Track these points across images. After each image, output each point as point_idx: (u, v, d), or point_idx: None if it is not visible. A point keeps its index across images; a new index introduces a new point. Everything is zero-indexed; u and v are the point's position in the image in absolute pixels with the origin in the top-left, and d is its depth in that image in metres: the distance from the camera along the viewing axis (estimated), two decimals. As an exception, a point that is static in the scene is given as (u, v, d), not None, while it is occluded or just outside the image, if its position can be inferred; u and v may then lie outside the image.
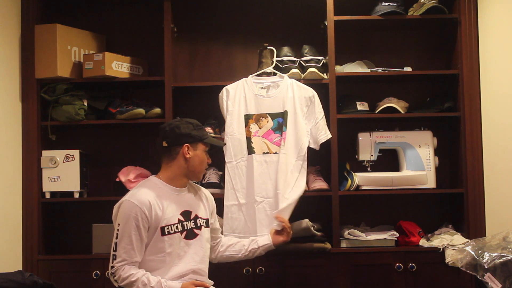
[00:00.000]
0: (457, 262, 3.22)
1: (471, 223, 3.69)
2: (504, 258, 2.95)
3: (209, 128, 3.71)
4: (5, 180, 3.55)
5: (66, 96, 3.72)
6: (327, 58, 3.75)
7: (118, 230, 2.88)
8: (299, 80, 3.72)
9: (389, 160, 3.93)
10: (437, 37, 4.05)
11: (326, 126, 3.67)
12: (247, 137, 3.64)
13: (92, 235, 3.71)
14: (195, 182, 3.33)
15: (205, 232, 3.07)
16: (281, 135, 3.61)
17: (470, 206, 3.70)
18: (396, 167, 3.91)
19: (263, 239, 3.30)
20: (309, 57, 3.76)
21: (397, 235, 3.69)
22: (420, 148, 3.82)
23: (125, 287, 2.87)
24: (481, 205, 3.70)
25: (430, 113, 3.84)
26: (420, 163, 3.80)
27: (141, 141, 3.97)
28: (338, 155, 3.70)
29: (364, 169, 3.86)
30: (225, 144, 3.56)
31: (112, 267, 2.87)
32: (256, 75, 3.76)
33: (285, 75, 3.71)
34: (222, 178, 3.72)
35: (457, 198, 3.81)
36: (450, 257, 3.48)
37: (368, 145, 3.82)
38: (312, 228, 3.52)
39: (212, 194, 3.27)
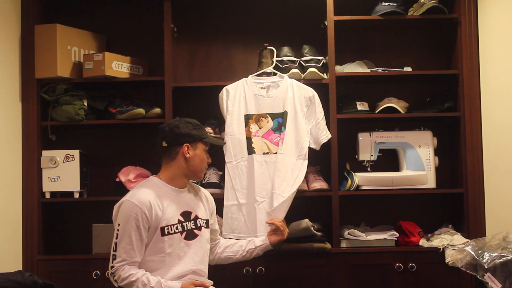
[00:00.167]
0: (457, 262, 3.22)
1: (471, 223, 3.69)
2: (504, 258, 2.94)
3: (209, 128, 3.71)
4: (5, 180, 3.55)
5: (66, 96, 3.72)
6: (327, 58, 3.75)
7: (118, 230, 2.88)
8: (299, 80, 3.72)
9: (389, 160, 3.93)
10: (437, 37, 4.05)
11: (326, 126, 3.67)
12: (247, 137, 3.64)
13: (92, 235, 3.71)
14: (195, 182, 3.33)
15: (205, 233, 3.07)
16: (280, 136, 3.61)
17: (470, 206, 3.70)
18: (396, 167, 3.91)
19: (260, 240, 3.30)
20: (309, 57, 3.76)
21: (397, 235, 3.69)
22: (420, 148, 3.82)
23: (124, 287, 2.87)
24: (481, 205, 3.70)
25: (430, 113, 3.84)
26: (420, 163, 3.80)
27: (141, 141, 3.97)
28: (338, 155, 3.70)
29: (364, 169, 3.86)
30: (224, 143, 3.56)
31: (112, 267, 2.87)
32: (256, 75, 3.76)
33: (285, 75, 3.71)
34: (222, 178, 3.72)
35: (457, 198, 3.81)
36: (450, 257, 3.48)
37: (368, 145, 3.82)
38: (312, 228, 3.52)
39: (212, 194, 3.27)
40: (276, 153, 3.60)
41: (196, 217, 3.05)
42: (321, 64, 3.74)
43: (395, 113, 3.78)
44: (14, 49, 3.70)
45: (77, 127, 3.85)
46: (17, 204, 3.68)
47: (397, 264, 3.58)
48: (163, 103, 3.75)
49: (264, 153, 3.62)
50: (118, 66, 3.78)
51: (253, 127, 3.65)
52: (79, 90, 3.77)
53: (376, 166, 3.89)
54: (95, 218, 3.80)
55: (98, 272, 3.58)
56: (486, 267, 2.97)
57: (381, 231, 3.74)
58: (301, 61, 3.77)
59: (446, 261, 3.51)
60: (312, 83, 3.72)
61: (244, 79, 3.74)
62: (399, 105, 3.79)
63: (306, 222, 3.52)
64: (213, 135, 3.67)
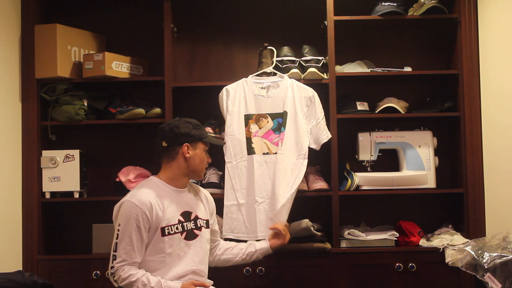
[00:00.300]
0: (457, 262, 3.22)
1: (471, 223, 3.69)
2: (504, 258, 2.94)
3: (209, 128, 3.71)
4: (5, 180, 3.55)
5: (66, 96, 3.72)
6: (327, 58, 3.75)
7: (118, 230, 2.87)
8: (299, 80, 3.72)
9: (389, 160, 3.93)
10: (437, 37, 4.05)
11: (326, 126, 3.67)
12: (247, 137, 3.64)
13: (92, 235, 3.71)
14: (195, 182, 3.33)
15: (205, 233, 3.07)
16: (280, 136, 3.61)
17: (470, 206, 3.70)
18: (396, 167, 3.91)
19: (260, 243, 3.27)
20: (309, 57, 3.76)
21: (397, 235, 3.69)
22: (420, 148, 3.82)
23: (124, 287, 2.87)
24: (481, 205, 3.70)
25: (430, 113, 3.84)
26: (420, 163, 3.80)
27: (141, 141, 3.96)
28: (338, 155, 3.70)
29: (364, 169, 3.86)
30: (224, 143, 3.56)
31: (112, 267, 2.87)
32: (256, 75, 3.76)
33: (285, 75, 3.71)
34: (222, 178, 3.72)
35: (457, 198, 3.81)
36: (450, 257, 3.48)
37: (368, 145, 3.83)
38: (312, 228, 3.52)
39: (212, 194, 3.26)
40: (276, 153, 3.60)
41: (196, 217, 3.04)
42: (321, 64, 3.74)
43: (395, 113, 3.78)
44: (14, 49, 3.70)
45: (77, 127, 3.85)
46: (17, 204, 3.67)
47: (397, 264, 3.58)
48: (163, 103, 3.75)
49: (264, 153, 3.62)
50: (118, 66, 3.78)
51: (253, 127, 3.65)
52: (79, 90, 3.77)
53: (376, 166, 3.89)
54: (95, 218, 3.80)
55: (98, 272, 3.58)
56: (486, 267, 2.97)
57: (381, 231, 3.74)
58: (301, 61, 3.77)
59: (446, 261, 3.51)
60: (312, 83, 3.72)
61: (244, 79, 3.74)
62: (399, 105, 3.79)
63: (306, 222, 3.52)
64: (213, 135, 3.67)
